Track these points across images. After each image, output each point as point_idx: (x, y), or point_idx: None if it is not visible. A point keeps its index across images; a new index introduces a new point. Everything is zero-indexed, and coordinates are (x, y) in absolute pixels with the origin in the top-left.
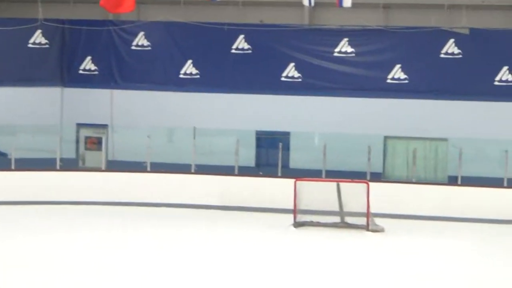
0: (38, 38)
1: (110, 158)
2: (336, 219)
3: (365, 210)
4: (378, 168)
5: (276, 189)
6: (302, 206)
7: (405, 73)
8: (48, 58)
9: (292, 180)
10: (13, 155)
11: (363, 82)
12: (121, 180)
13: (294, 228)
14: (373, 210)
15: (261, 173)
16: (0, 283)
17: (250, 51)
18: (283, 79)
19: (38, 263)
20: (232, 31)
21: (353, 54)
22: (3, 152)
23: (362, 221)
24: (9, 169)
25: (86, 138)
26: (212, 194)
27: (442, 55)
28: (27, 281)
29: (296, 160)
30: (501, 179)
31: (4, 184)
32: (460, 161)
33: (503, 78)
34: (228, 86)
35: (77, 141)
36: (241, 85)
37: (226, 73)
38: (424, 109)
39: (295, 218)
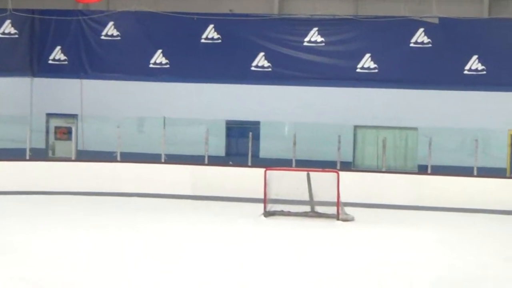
0: (7, 28)
1: (80, 148)
2: (306, 208)
3: (335, 199)
4: (348, 157)
5: (246, 179)
6: (272, 195)
7: (374, 63)
8: (18, 48)
9: (262, 170)
10: None
11: (333, 71)
12: (91, 170)
13: (264, 218)
14: (343, 199)
15: (231, 162)
16: None
17: (219, 41)
18: (253, 68)
19: (8, 254)
20: (202, 21)
21: (323, 44)
22: None
23: (332, 210)
24: None
25: (56, 128)
26: (182, 184)
27: (411, 45)
28: None
29: (266, 149)
30: (471, 168)
31: None
32: (430, 150)
33: (473, 67)
34: (198, 76)
35: (47, 131)
36: (211, 75)
37: (196, 63)
38: (393, 98)
39: (265, 207)
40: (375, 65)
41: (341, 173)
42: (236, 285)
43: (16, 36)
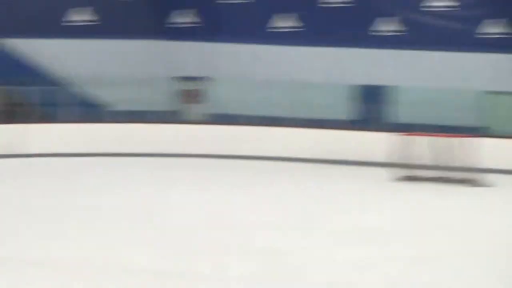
0: None
1: (211, 111)
2: (442, 174)
3: (472, 165)
4: (484, 123)
5: (380, 144)
6: (408, 160)
7: None
8: (142, 11)
9: (397, 134)
10: (117, 106)
11: (466, 37)
12: (221, 133)
13: (399, 182)
14: (480, 165)
15: (366, 127)
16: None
17: (353, 4)
18: (385, 34)
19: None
20: None
21: (457, 8)
22: (99, 104)
23: (469, 176)
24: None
25: (185, 91)
26: (317, 148)
27: None
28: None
29: (401, 114)
30: None
31: (102, 134)
32: None
33: None
34: (332, 41)
35: (176, 94)
36: (346, 39)
37: (327, 27)
38: None
39: (400, 172)
40: None
41: (478, 138)
42: (373, 252)
43: None
